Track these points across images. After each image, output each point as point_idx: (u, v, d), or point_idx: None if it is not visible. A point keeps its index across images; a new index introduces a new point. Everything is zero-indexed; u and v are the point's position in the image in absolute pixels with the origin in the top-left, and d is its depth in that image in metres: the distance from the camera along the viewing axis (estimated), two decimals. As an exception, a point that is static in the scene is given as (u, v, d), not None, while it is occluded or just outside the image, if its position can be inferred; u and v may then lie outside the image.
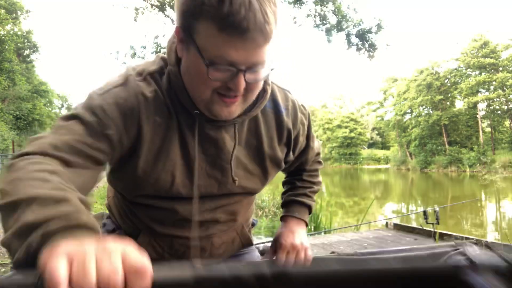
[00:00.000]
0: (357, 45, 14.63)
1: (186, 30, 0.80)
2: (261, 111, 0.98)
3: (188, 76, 0.86)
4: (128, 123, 0.85)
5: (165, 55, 0.94)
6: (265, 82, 0.94)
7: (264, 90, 0.94)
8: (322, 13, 14.26)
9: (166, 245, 1.03)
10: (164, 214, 0.99)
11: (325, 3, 13.98)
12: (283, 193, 1.23)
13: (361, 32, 14.34)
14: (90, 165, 0.81)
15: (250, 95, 0.86)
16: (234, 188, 1.00)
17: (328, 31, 14.51)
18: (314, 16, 14.39)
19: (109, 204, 1.16)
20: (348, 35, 14.51)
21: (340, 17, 14.07)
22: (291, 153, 1.06)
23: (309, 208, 1.18)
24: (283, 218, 1.18)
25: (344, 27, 14.28)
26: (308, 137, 1.12)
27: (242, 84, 0.80)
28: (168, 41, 0.93)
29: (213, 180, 0.97)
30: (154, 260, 0.76)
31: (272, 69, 0.83)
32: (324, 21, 14.37)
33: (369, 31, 14.35)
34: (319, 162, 1.24)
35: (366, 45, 14.51)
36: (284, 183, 1.25)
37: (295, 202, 1.18)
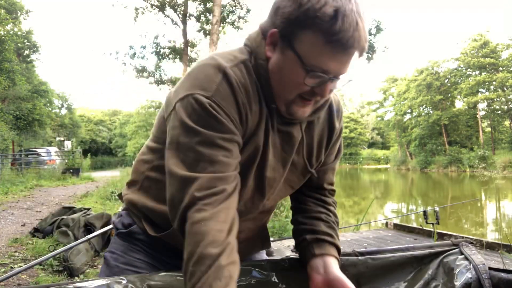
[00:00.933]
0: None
1: (285, 36, 0.86)
2: None
3: (279, 76, 0.90)
4: (241, 115, 0.90)
5: (249, 48, 0.96)
6: None
7: None
8: None
9: None
10: None
11: None
12: (314, 219, 1.10)
13: None
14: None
15: (322, 99, 0.93)
16: (286, 184, 1.05)
17: None
18: None
19: (132, 199, 1.09)
20: None
21: None
22: (330, 153, 1.10)
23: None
24: (329, 256, 1.04)
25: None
26: (340, 144, 1.14)
27: (328, 91, 0.87)
28: (254, 37, 0.96)
29: (277, 173, 1.00)
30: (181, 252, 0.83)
31: (350, 81, 0.90)
32: None
33: (368, 33, 14.38)
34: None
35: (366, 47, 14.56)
36: (309, 213, 1.11)
37: (337, 247, 1.07)
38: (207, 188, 0.82)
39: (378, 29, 14.35)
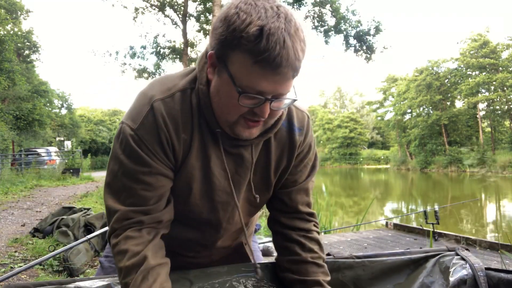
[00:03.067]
0: (355, 46, 14.60)
1: (220, 57, 0.86)
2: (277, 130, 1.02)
3: (218, 99, 0.90)
4: (164, 148, 0.93)
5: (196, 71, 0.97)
6: None
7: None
8: (320, 14, 14.21)
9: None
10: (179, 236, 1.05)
11: (323, 4, 13.95)
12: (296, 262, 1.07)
13: (360, 33, 14.32)
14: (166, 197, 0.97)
15: (270, 120, 0.93)
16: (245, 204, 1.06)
17: (326, 33, 14.50)
18: (313, 18, 14.36)
19: None
20: (346, 37, 14.48)
21: (338, 18, 14.05)
22: (297, 172, 1.08)
23: None
24: None
25: (342, 28, 14.27)
26: (314, 163, 1.12)
27: (268, 112, 0.86)
28: (199, 60, 0.97)
29: (231, 197, 1.01)
30: None
31: (295, 100, 0.90)
32: (323, 23, 14.35)
33: (367, 33, 14.33)
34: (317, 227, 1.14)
35: (364, 47, 14.49)
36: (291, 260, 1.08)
37: None
38: (123, 219, 0.92)
39: (377, 30, 14.32)
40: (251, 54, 0.79)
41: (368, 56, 14.62)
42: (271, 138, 1.02)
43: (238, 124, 0.90)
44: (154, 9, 15.42)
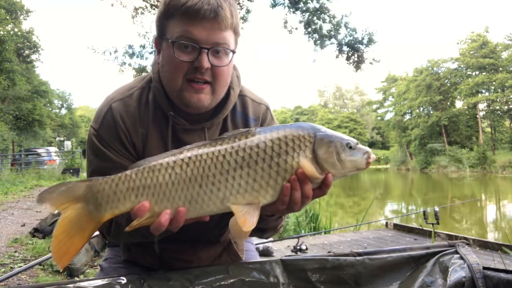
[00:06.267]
0: (347, 54, 14.55)
1: (161, 34, 0.97)
2: (231, 120, 1.08)
3: (162, 71, 0.98)
4: (123, 142, 1.01)
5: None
6: (230, 87, 1.03)
7: (228, 93, 1.03)
8: (313, 20, 14.14)
9: (155, 258, 1.09)
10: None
11: (322, 9, 13.90)
12: None
13: (352, 41, 14.27)
14: None
15: (217, 85, 0.97)
16: None
17: (320, 38, 14.43)
18: (307, 23, 14.30)
19: None
20: (339, 43, 14.42)
21: (330, 29, 14.03)
22: None
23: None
24: None
25: (334, 35, 14.23)
26: None
27: (206, 62, 0.92)
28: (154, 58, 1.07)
29: None
30: (147, 269, 1.00)
31: (233, 53, 0.96)
32: (316, 29, 14.28)
33: (361, 42, 14.28)
34: None
35: (356, 56, 14.45)
36: None
37: None
38: None
39: (370, 41, 14.25)
40: (177, 11, 0.91)
41: (359, 65, 14.56)
42: (228, 128, 1.08)
43: (185, 90, 0.95)
44: (154, 9, 15.41)
